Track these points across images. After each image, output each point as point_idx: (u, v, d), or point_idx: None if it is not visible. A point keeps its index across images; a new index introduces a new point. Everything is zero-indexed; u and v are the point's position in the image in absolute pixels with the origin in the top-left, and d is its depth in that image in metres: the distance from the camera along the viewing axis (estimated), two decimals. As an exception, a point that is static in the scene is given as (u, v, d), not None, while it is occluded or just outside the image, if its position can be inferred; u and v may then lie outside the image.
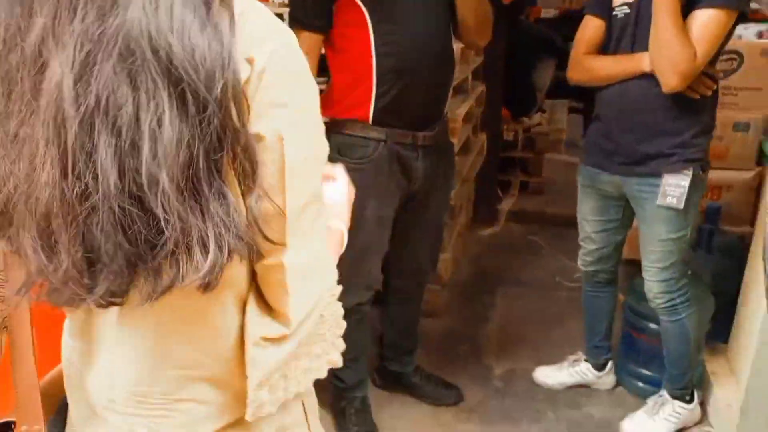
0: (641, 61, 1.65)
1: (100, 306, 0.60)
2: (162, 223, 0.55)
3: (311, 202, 0.66)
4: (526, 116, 4.08)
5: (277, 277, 0.66)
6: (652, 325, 2.06)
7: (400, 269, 1.97)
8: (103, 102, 0.52)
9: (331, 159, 1.80)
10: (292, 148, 0.62)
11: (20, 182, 0.55)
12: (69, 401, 0.75)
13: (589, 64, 1.79)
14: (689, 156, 1.69)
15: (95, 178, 0.53)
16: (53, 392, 0.76)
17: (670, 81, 1.57)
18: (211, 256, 0.57)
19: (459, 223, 3.02)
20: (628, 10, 1.69)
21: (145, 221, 0.55)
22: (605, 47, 1.77)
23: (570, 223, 3.63)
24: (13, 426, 0.72)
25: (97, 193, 0.53)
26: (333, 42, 1.66)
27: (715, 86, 1.69)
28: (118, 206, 0.53)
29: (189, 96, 0.54)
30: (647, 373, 2.13)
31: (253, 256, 0.62)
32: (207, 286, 0.59)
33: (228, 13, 0.58)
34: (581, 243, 2.07)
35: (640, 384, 2.16)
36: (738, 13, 1.58)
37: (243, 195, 0.59)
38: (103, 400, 0.70)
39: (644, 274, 1.85)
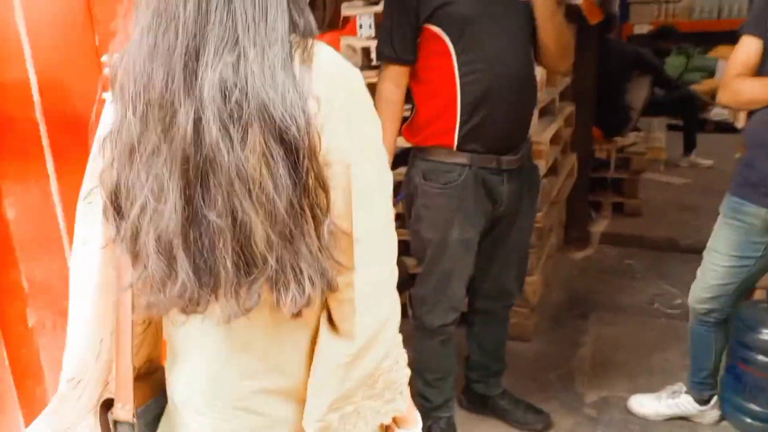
0: None
1: (186, 313, 0.71)
2: (261, 260, 0.66)
3: (379, 227, 0.73)
4: (619, 135, 3.95)
5: (347, 296, 0.72)
6: (761, 357, 1.92)
7: (486, 291, 1.97)
8: (215, 149, 0.63)
9: (418, 184, 1.86)
10: (359, 176, 0.70)
11: (149, 203, 0.67)
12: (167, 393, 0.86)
13: (737, 86, 1.69)
14: None
15: (211, 211, 0.65)
16: (149, 383, 0.86)
17: None
18: (306, 291, 0.67)
19: (549, 246, 2.97)
20: None
21: (249, 255, 0.66)
22: (761, 70, 1.66)
23: (669, 248, 3.49)
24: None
25: (209, 226, 0.65)
26: (417, 73, 1.72)
27: None
28: (229, 238, 0.65)
29: (286, 143, 0.64)
30: (755, 408, 1.98)
31: (335, 285, 0.70)
32: (298, 315, 0.69)
33: (307, 58, 0.68)
34: (699, 276, 1.92)
35: (748, 420, 2.00)
36: None
37: (316, 225, 0.68)
38: (182, 397, 0.81)
39: None
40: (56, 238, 1.37)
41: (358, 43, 2.34)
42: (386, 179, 0.75)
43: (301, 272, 0.67)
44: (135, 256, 0.70)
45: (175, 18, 0.65)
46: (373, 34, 2.40)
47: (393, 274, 0.77)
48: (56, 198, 1.29)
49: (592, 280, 3.19)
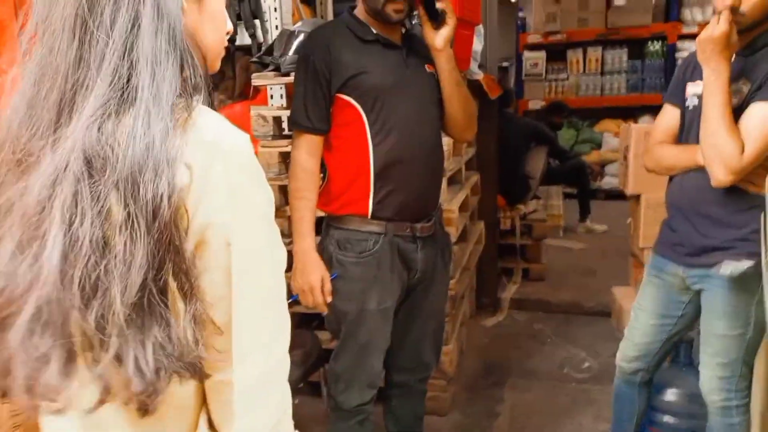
0: (696, 153, 1.61)
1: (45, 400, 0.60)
2: (101, 335, 0.57)
3: (262, 311, 0.65)
4: (521, 203, 4.12)
5: (224, 396, 0.63)
6: (668, 419, 1.97)
7: (403, 363, 1.90)
8: (64, 212, 0.57)
9: (332, 254, 1.80)
10: (240, 255, 0.62)
11: None
12: None
13: (658, 152, 1.77)
14: (750, 249, 1.59)
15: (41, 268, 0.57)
16: None
17: (717, 175, 1.53)
18: (148, 377, 0.57)
19: (462, 313, 2.97)
20: (697, 102, 1.66)
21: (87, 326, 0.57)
22: (679, 137, 1.74)
23: (574, 311, 3.62)
24: None
25: (44, 285, 0.57)
26: (329, 141, 1.70)
27: None
28: (65, 303, 0.57)
29: (146, 216, 0.57)
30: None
31: (199, 375, 0.61)
32: (145, 410, 0.59)
33: (185, 122, 0.62)
34: (627, 335, 1.94)
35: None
36: None
37: (186, 307, 0.60)
38: None
39: (700, 368, 1.75)
40: None
41: (269, 113, 2.31)
42: (277, 257, 0.69)
43: (144, 357, 0.57)
44: None
45: (55, 63, 0.61)
46: (285, 104, 2.37)
47: (282, 363, 0.68)
48: None
49: (504, 347, 3.21)
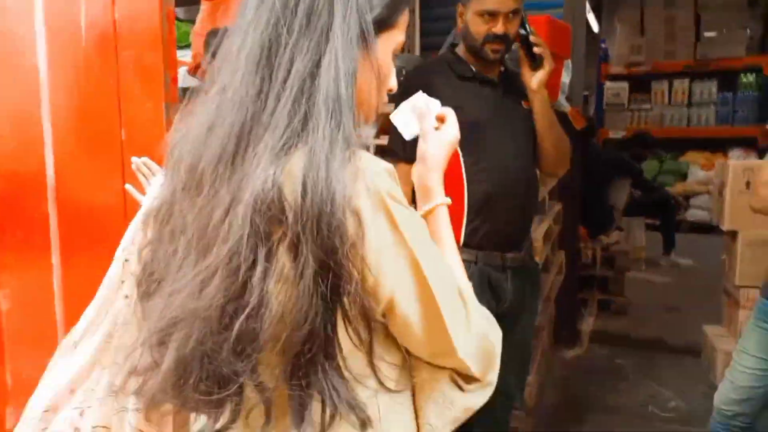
0: None
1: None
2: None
3: (453, 306, 0.72)
4: (603, 234, 4.04)
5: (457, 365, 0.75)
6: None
7: None
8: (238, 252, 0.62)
9: None
10: (409, 301, 0.68)
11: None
12: None
13: (766, 193, 1.73)
14: None
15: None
16: None
17: None
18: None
19: (542, 345, 2.93)
20: None
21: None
22: None
23: (659, 348, 3.48)
24: None
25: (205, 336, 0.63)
26: None
27: None
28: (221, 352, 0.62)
29: (310, 257, 0.60)
30: None
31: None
32: None
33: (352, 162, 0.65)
34: (728, 377, 1.88)
35: None
36: None
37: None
38: None
39: None
40: (51, 334, 1.31)
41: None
42: (449, 278, 0.74)
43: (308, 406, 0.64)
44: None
45: (239, 96, 0.66)
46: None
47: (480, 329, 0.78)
48: (57, 291, 1.24)
49: (584, 381, 3.13)
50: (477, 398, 0.79)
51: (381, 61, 0.72)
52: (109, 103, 1.11)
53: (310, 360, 0.62)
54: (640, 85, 6.53)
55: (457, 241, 1.71)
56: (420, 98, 0.85)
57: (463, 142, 1.67)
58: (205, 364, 0.64)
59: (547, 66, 1.68)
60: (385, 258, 0.66)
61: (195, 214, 0.67)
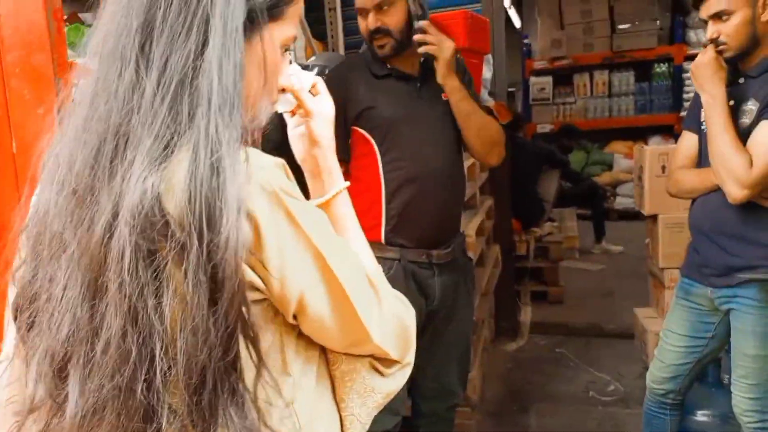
0: (710, 173, 1.66)
1: None
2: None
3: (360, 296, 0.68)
4: (536, 226, 4.12)
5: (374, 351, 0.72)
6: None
7: (428, 391, 1.88)
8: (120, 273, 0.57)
9: None
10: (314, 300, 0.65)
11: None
12: None
13: (679, 177, 1.81)
14: None
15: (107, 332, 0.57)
16: None
17: (731, 191, 1.57)
18: None
19: (483, 339, 2.95)
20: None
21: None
22: (698, 162, 1.79)
23: (596, 333, 3.58)
24: None
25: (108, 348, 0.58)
26: (350, 172, 1.75)
27: None
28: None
29: (200, 273, 0.55)
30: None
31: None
32: None
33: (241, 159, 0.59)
34: (657, 356, 1.93)
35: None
36: None
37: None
38: None
39: (732, 388, 1.73)
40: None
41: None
42: (348, 263, 0.69)
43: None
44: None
45: (110, 92, 0.60)
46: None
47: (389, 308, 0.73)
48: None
49: (527, 372, 3.17)
50: (398, 380, 0.76)
51: (268, 54, 0.66)
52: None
53: (213, 392, 0.57)
54: (563, 78, 6.75)
55: (378, 240, 1.69)
56: (294, 69, 0.79)
57: (380, 140, 1.67)
58: (117, 402, 0.58)
59: (441, 59, 1.63)
60: (289, 258, 0.61)
61: (75, 228, 0.60)
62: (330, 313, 0.66)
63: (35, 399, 0.62)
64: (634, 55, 6.31)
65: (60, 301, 0.60)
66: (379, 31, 1.64)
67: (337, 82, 1.73)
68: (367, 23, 1.65)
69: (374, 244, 1.66)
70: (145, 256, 0.56)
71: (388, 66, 1.71)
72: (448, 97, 1.68)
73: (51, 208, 0.62)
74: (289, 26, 0.71)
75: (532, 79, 6.82)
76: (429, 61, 1.73)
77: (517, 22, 6.11)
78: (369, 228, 1.69)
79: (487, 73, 2.70)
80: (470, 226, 2.56)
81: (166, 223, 0.56)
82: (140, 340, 0.57)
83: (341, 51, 2.99)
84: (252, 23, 0.64)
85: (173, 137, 0.58)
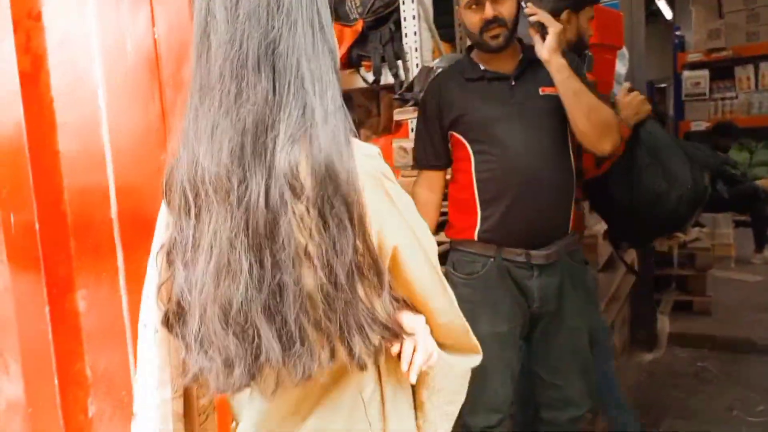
0: None
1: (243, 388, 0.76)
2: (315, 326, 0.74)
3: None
4: (679, 231, 3.83)
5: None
6: None
7: (548, 400, 1.85)
8: (278, 217, 0.72)
9: (448, 274, 1.91)
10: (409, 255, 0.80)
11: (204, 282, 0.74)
12: None
13: None
14: None
15: (285, 276, 0.72)
16: None
17: None
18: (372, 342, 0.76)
19: (616, 347, 2.83)
20: None
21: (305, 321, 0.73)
22: None
23: (746, 349, 3.25)
24: None
25: (283, 293, 0.72)
26: (453, 174, 1.81)
27: None
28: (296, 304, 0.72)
29: (331, 217, 0.71)
30: None
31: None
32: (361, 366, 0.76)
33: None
34: None
35: None
36: None
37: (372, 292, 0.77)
38: None
39: None
40: (120, 330, 1.45)
41: (409, 144, 2.45)
42: (431, 242, 0.85)
43: (362, 328, 0.74)
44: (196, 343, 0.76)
45: (239, 97, 0.73)
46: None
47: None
48: (123, 291, 1.38)
49: (662, 385, 2.98)
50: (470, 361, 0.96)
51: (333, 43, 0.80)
52: (156, 117, 1.23)
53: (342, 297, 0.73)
54: (722, 72, 6.14)
55: (471, 238, 1.72)
56: None
57: (474, 141, 1.71)
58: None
59: (551, 29, 1.59)
60: (386, 220, 0.77)
61: (221, 213, 0.73)
62: (420, 269, 0.80)
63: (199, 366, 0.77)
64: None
65: (228, 259, 0.72)
66: (496, 21, 1.64)
67: (432, 92, 1.81)
68: (482, 14, 1.64)
69: (470, 241, 1.73)
70: (285, 201, 0.71)
71: (481, 68, 1.72)
72: (553, 75, 1.62)
73: (184, 222, 0.76)
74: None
75: (686, 74, 6.29)
76: (526, 56, 1.72)
77: (667, 14, 5.70)
78: (466, 228, 1.74)
79: (620, 68, 2.60)
80: (596, 228, 2.49)
81: (302, 186, 0.72)
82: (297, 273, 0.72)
83: (459, 52, 3.05)
84: (327, 20, 0.79)
85: (301, 126, 0.73)
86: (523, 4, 1.64)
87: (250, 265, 0.71)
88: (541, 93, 1.70)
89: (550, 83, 1.65)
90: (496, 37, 1.66)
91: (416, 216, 0.82)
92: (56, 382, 1.43)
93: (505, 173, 1.67)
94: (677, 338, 3.44)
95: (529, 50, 1.72)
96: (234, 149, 0.72)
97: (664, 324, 3.54)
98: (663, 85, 5.56)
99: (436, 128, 1.77)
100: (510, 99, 1.70)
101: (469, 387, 1.76)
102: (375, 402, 0.84)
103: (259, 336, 0.72)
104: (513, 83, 1.71)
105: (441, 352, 0.87)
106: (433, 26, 2.71)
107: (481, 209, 1.71)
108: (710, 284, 3.84)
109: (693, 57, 6.18)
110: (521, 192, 1.66)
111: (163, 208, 0.83)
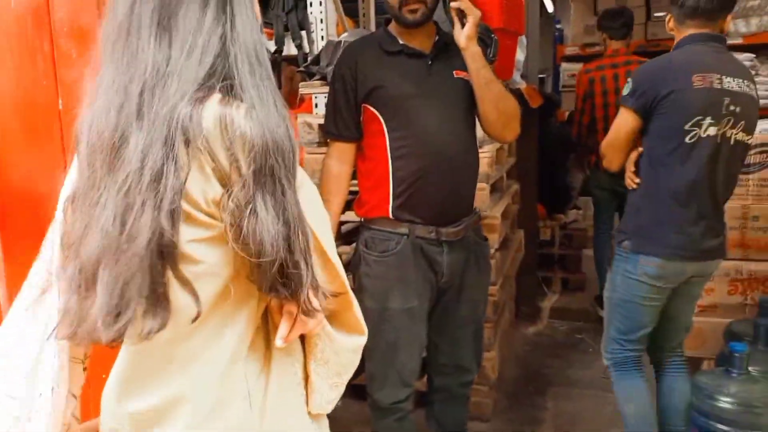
0: None
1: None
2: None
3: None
4: (561, 213, 4.11)
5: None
6: (721, 426, 1.94)
7: (442, 366, 1.92)
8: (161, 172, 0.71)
9: (360, 252, 1.91)
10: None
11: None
12: None
13: None
14: None
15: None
16: None
17: None
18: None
19: (503, 321, 2.97)
20: None
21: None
22: None
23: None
24: None
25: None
26: (362, 150, 1.79)
27: None
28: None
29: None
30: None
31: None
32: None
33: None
34: None
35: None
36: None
37: None
38: None
39: None
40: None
41: (315, 120, 2.38)
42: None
43: None
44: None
45: (137, 55, 0.74)
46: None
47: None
48: (0, 275, 1.18)
49: (545, 355, 3.19)
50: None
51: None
52: (45, 69, 1.06)
53: None
54: (595, 66, 6.62)
55: (386, 216, 1.72)
56: None
57: (388, 117, 1.70)
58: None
59: (471, 18, 1.61)
60: None
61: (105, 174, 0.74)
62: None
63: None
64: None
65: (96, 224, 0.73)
66: None
67: (347, 59, 1.76)
68: None
69: (383, 219, 1.73)
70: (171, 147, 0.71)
71: (400, 42, 1.71)
72: (467, 64, 1.65)
73: (88, 177, 0.76)
74: None
75: (564, 65, 6.71)
76: (441, 39, 1.75)
77: (549, 7, 6.02)
78: (379, 204, 1.74)
79: (520, 55, 2.69)
80: (495, 209, 2.58)
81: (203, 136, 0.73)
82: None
83: (372, 28, 3.01)
84: None
85: (211, 88, 0.74)
86: None
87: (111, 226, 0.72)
88: (455, 75, 1.72)
89: (463, 67, 1.69)
90: (414, 11, 1.66)
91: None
92: None
93: (421, 151, 1.67)
94: (556, 312, 3.70)
95: (442, 33, 1.76)
96: (123, 105, 0.73)
97: (551, 300, 3.79)
98: (543, 75, 5.87)
99: (349, 98, 1.73)
100: (427, 77, 1.70)
101: (377, 363, 1.78)
102: (256, 362, 0.86)
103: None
104: (430, 62, 1.71)
105: (328, 327, 0.88)
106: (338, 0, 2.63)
107: (394, 185, 1.70)
108: (584, 262, 4.16)
109: (570, 50, 6.60)
110: (436, 170, 1.68)
111: (75, 157, 0.80)
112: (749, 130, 1.81)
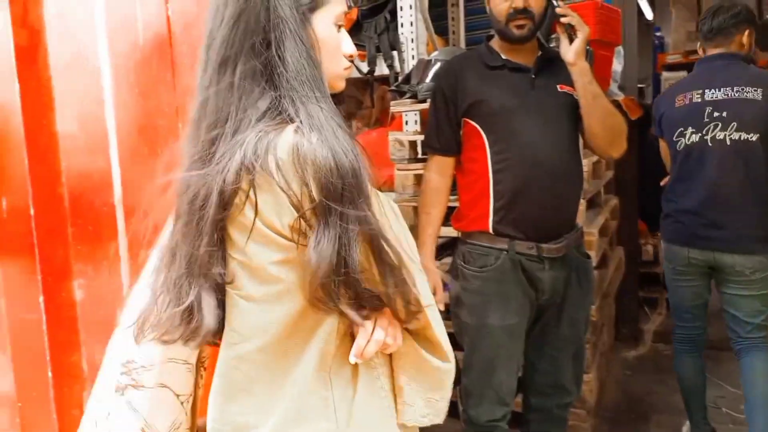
0: None
1: None
2: None
3: None
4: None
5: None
6: None
7: (540, 386, 1.87)
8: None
9: (458, 266, 1.91)
10: None
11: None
12: None
13: None
14: None
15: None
16: None
17: None
18: None
19: (602, 343, 2.85)
20: None
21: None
22: None
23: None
24: None
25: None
26: (462, 165, 1.80)
27: None
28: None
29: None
30: None
31: None
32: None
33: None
34: None
35: None
36: None
37: None
38: None
39: None
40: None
41: (405, 137, 2.43)
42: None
43: None
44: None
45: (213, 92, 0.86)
46: (419, 129, 2.49)
47: None
48: (125, 280, 1.31)
49: (648, 381, 3.02)
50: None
51: (324, 35, 0.86)
52: (168, 98, 1.17)
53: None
54: (700, 75, 6.24)
55: (486, 230, 1.71)
56: None
57: (489, 131, 1.70)
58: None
59: (581, 34, 1.59)
60: None
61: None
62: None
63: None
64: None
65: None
66: (524, 12, 1.63)
67: (447, 75, 1.79)
68: (512, 3, 1.63)
69: (482, 233, 1.73)
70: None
71: (503, 57, 1.72)
72: (574, 80, 1.63)
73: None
74: (336, 5, 0.88)
75: (665, 74, 6.38)
76: (546, 54, 1.74)
77: (648, 14, 5.78)
78: (479, 218, 1.73)
79: (617, 66, 2.61)
80: (592, 225, 2.50)
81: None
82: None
83: (462, 46, 3.04)
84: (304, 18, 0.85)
85: (274, 120, 0.83)
86: (554, 2, 1.63)
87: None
88: (559, 90, 1.70)
89: (567, 82, 1.67)
90: (521, 27, 1.66)
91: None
92: (50, 374, 1.36)
93: (523, 165, 1.66)
94: (661, 336, 3.49)
95: (545, 48, 1.76)
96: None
97: (653, 322, 3.58)
98: (642, 86, 5.62)
99: (450, 112, 1.75)
100: (530, 91, 1.69)
101: (474, 379, 1.77)
102: (342, 374, 0.89)
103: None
104: (533, 76, 1.71)
105: (411, 341, 0.91)
106: (428, 18, 2.68)
107: (495, 200, 1.70)
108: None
109: (672, 58, 6.28)
110: (538, 184, 1.66)
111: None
112: (746, 129, 2.01)
